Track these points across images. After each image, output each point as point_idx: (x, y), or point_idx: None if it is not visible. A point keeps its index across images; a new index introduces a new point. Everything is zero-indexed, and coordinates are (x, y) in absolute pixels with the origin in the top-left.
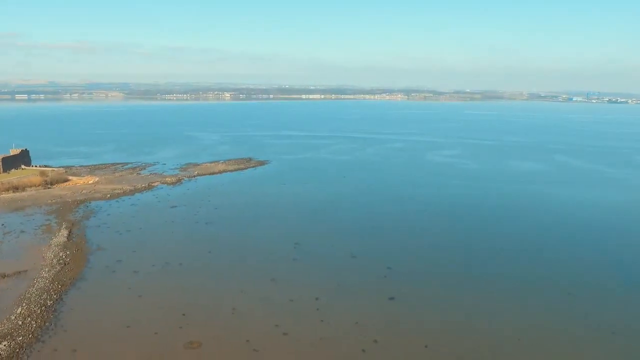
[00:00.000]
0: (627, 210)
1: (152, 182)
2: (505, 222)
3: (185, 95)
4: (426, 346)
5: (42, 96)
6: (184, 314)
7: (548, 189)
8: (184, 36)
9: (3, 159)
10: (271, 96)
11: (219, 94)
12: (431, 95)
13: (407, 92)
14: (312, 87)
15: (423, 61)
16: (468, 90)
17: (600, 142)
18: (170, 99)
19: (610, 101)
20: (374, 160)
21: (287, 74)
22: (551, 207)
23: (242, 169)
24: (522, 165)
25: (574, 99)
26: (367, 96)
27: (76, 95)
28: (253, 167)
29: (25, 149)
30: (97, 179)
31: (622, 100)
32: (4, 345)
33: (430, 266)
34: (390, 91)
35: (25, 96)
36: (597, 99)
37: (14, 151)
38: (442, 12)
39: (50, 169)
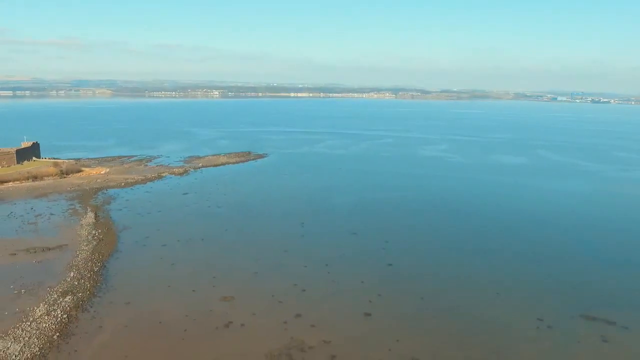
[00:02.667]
0: (595, 197)
1: (161, 173)
2: (487, 206)
3: (173, 92)
4: (422, 298)
5: (27, 93)
6: (214, 277)
7: (528, 180)
8: (172, 34)
9: (17, 151)
10: (260, 94)
11: (208, 92)
12: (419, 94)
13: (395, 91)
14: (300, 86)
15: (411, 61)
16: (455, 89)
17: (580, 139)
18: (158, 97)
19: (593, 101)
20: (367, 154)
21: (276, 73)
22: (529, 194)
23: (243, 161)
24: (505, 159)
25: (559, 98)
26: (355, 95)
27: (62, 92)
28: (253, 159)
29: (36, 142)
30: (107, 169)
31: (604, 100)
32: (69, 298)
33: (421, 241)
34: (379, 90)
35: (10, 92)
36: (581, 98)
37: (26, 144)
38: (430, 12)
39: (61, 160)
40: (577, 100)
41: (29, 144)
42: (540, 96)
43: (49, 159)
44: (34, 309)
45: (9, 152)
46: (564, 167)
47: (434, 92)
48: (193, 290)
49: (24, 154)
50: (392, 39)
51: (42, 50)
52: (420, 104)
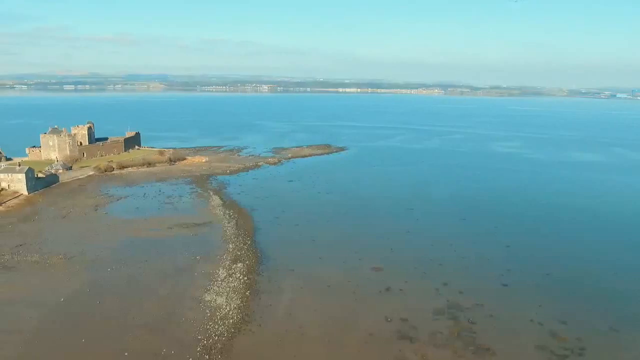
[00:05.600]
0: None
1: (257, 162)
2: (581, 199)
3: (224, 87)
4: (548, 274)
5: (87, 87)
6: (355, 252)
7: (615, 177)
8: (220, 29)
9: (125, 139)
10: (308, 89)
11: (257, 87)
12: (468, 90)
13: (443, 87)
14: (347, 81)
15: (458, 56)
16: (505, 85)
17: None
18: (210, 91)
19: None
20: (443, 149)
21: (321, 67)
22: (621, 190)
23: (326, 153)
24: (583, 156)
25: (618, 95)
26: (403, 90)
27: (119, 86)
28: (336, 152)
29: (138, 132)
30: (207, 158)
31: None
32: (240, 265)
33: (527, 227)
34: (426, 86)
35: (72, 87)
36: None
37: (130, 133)
38: (477, 6)
39: (165, 149)
40: (639, 98)
41: (133, 133)
42: (598, 93)
43: (147, 147)
44: (217, 271)
45: (118, 140)
46: None
47: (484, 89)
48: (344, 262)
49: (129, 143)
50: (438, 35)
51: (97, 46)
52: (472, 100)
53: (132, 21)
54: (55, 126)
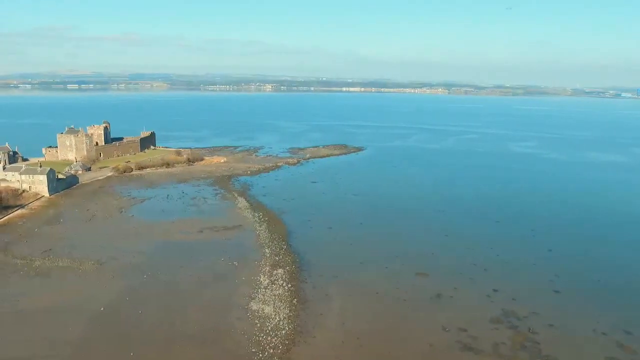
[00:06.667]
0: None
1: (277, 163)
2: (602, 198)
3: (228, 86)
4: (598, 280)
5: (91, 86)
6: (396, 256)
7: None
8: (224, 29)
9: (141, 139)
10: (312, 88)
11: (261, 86)
12: (472, 89)
13: (446, 86)
14: (350, 80)
15: (461, 55)
16: (508, 85)
17: None
18: (214, 90)
19: None
20: (460, 149)
21: (324, 67)
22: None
23: (344, 153)
24: (603, 157)
25: (623, 95)
26: (407, 90)
27: (122, 85)
28: (354, 152)
29: (153, 132)
30: (225, 158)
31: None
32: (281, 271)
33: (564, 230)
34: (430, 85)
35: (76, 86)
36: None
37: (145, 133)
38: (480, 6)
39: (183, 149)
40: None
41: (148, 133)
42: (602, 92)
43: (162, 147)
44: (257, 278)
45: (134, 140)
46: None
47: (488, 88)
48: (386, 267)
49: (144, 143)
50: (441, 34)
51: (101, 45)
52: (478, 100)
53: (137, 21)
54: (72, 126)
